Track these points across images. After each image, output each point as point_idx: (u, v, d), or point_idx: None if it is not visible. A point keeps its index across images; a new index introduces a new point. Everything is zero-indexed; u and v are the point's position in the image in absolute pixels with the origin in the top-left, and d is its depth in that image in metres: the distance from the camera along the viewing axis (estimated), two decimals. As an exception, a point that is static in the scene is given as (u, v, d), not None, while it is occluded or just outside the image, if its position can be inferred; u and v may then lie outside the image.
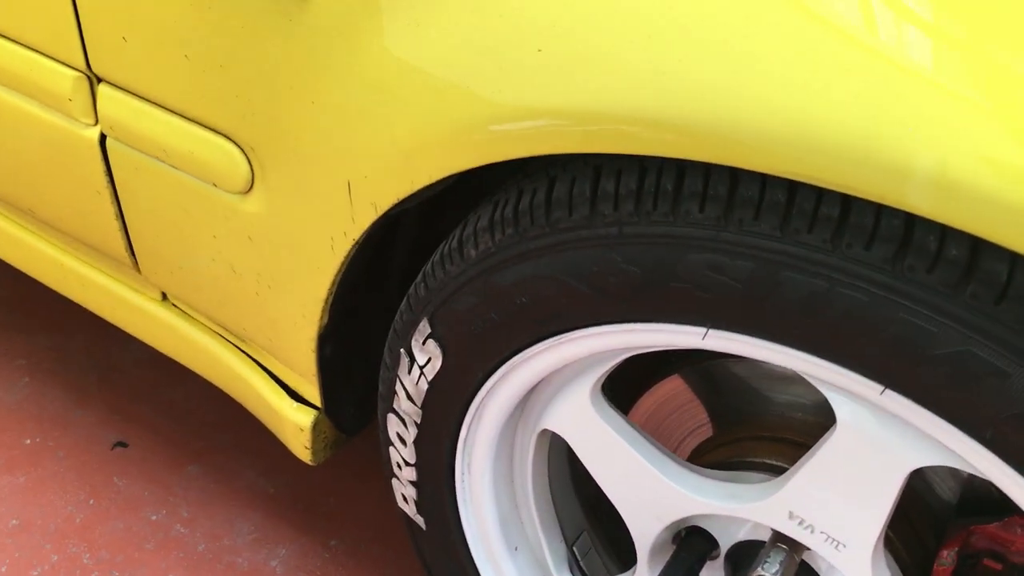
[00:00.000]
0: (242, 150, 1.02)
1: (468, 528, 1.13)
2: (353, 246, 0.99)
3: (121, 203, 1.20)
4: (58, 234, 1.38)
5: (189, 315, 1.32)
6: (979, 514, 0.92)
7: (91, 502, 1.57)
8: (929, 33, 0.66)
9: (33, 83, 1.16)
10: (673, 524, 1.00)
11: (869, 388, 0.75)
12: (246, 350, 1.29)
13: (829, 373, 0.77)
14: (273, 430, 1.29)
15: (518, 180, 0.89)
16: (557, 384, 0.99)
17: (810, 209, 0.71)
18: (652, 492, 0.97)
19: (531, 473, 1.09)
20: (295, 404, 1.23)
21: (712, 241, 0.75)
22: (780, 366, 1.01)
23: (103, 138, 1.14)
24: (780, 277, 0.73)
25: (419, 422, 1.06)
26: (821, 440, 0.85)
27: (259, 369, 1.28)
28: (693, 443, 1.10)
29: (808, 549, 0.93)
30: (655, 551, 1.03)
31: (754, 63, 0.68)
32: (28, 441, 1.66)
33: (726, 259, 0.75)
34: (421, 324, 0.98)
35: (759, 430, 1.04)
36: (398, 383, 1.05)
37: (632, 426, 0.98)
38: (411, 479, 1.12)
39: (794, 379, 1.03)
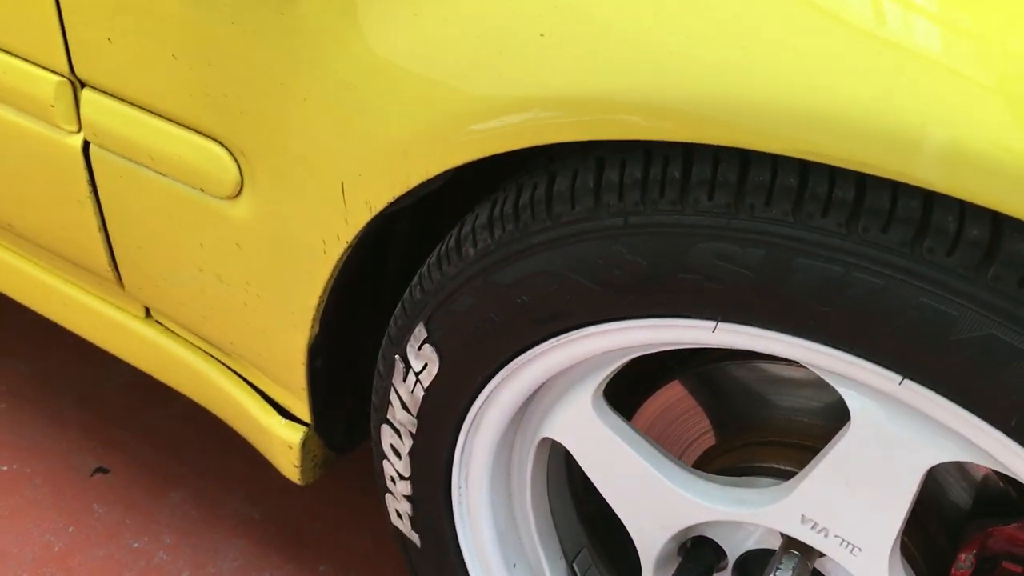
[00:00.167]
0: (231, 153, 1.00)
1: (465, 544, 1.10)
2: (346, 249, 0.96)
3: (104, 214, 1.17)
4: (38, 251, 1.35)
5: (173, 332, 1.29)
6: (996, 515, 0.90)
7: (70, 530, 1.52)
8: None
9: (12, 89, 1.12)
10: (679, 533, 0.97)
11: (886, 379, 0.73)
12: (232, 366, 1.26)
13: (844, 365, 0.74)
14: (260, 449, 1.26)
15: (517, 176, 0.87)
16: (557, 390, 0.97)
17: (824, 193, 0.69)
18: (658, 499, 0.94)
19: (530, 486, 1.06)
20: (283, 421, 1.20)
21: (722, 229, 0.73)
22: (778, 369, 1.02)
23: (86, 145, 1.11)
24: (793, 264, 0.71)
25: (414, 432, 1.02)
26: (834, 439, 0.82)
27: (246, 385, 1.24)
28: (698, 451, 1.07)
29: (821, 555, 0.90)
30: (660, 563, 1.00)
31: (770, 40, 0.66)
32: (4, 468, 1.61)
33: (736, 247, 0.73)
34: (417, 329, 0.95)
35: (766, 435, 1.01)
36: (392, 392, 1.02)
37: (636, 431, 0.95)
38: (406, 494, 1.09)
39: (797, 382, 1.01)
